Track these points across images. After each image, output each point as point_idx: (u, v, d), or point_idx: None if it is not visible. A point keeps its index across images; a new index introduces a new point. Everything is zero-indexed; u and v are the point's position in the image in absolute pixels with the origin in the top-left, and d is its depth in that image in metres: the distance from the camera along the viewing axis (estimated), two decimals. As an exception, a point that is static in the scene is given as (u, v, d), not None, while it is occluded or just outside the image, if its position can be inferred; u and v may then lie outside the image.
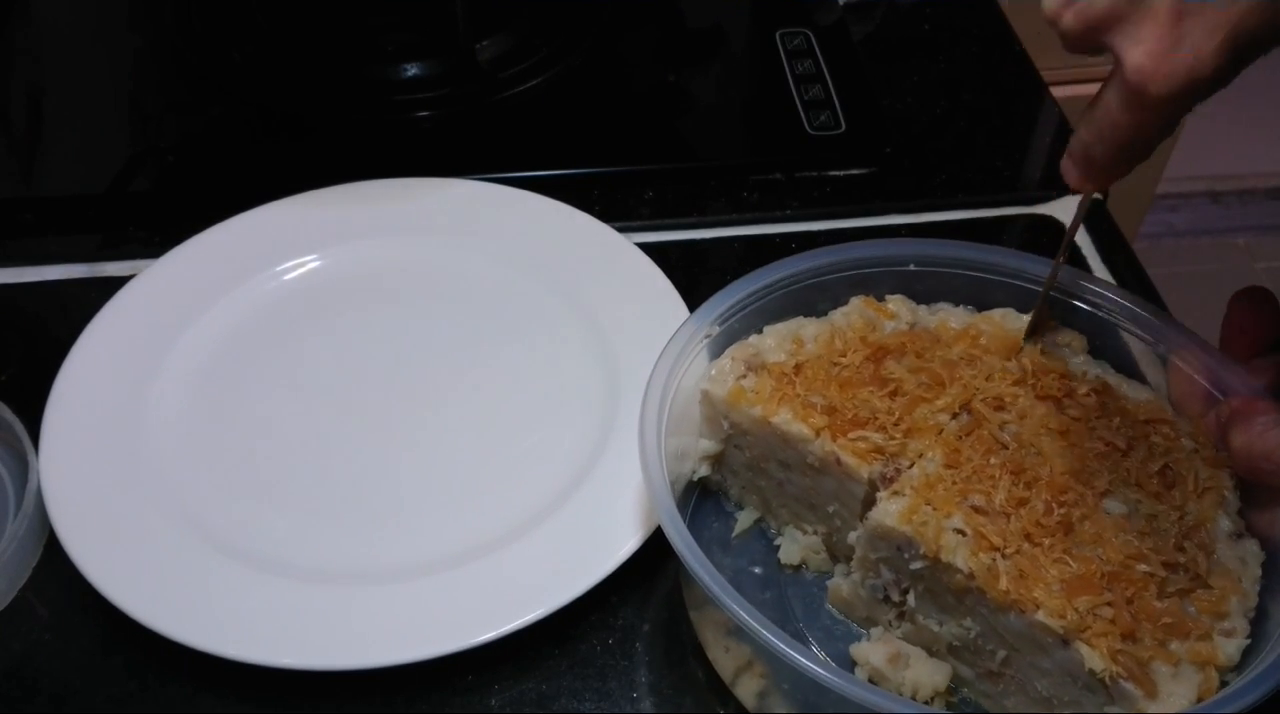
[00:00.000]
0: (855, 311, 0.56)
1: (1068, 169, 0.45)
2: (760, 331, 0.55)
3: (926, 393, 0.52)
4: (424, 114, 0.78)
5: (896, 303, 0.56)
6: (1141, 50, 0.37)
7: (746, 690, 0.50)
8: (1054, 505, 0.47)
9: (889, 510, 0.48)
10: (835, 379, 0.52)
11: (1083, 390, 0.52)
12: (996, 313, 0.56)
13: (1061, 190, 0.74)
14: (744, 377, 0.53)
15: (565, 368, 0.63)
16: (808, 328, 0.55)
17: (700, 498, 0.58)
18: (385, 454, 0.60)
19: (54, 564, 0.55)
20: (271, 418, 0.61)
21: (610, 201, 0.73)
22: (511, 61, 0.80)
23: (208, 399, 0.62)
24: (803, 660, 0.42)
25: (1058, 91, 0.82)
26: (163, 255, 0.67)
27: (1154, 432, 0.51)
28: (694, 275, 0.68)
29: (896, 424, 0.51)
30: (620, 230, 0.69)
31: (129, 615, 0.51)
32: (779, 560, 0.55)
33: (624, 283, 0.66)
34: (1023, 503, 0.47)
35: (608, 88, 0.82)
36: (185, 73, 0.81)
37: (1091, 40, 0.39)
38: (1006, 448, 0.49)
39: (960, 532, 0.47)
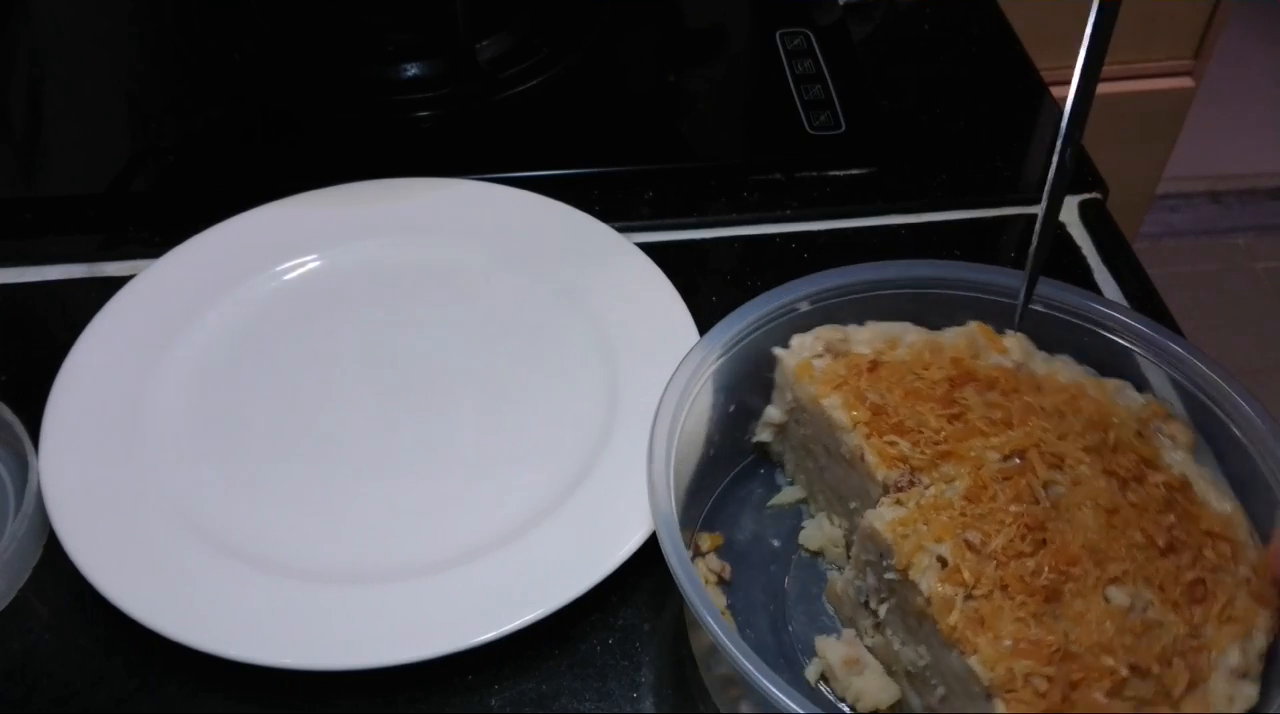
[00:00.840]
0: (964, 334, 0.55)
1: None
2: (862, 323, 0.55)
3: (988, 428, 0.50)
4: (424, 114, 0.78)
5: (1014, 341, 0.54)
6: None
7: (728, 698, 0.50)
8: (1050, 570, 0.46)
9: (881, 515, 0.48)
10: (904, 386, 0.51)
11: (1156, 479, 0.49)
12: (1113, 383, 0.53)
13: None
14: (820, 356, 0.53)
15: (565, 368, 0.63)
16: (910, 335, 0.54)
17: (754, 463, 0.58)
18: (385, 454, 0.60)
19: (54, 564, 0.55)
20: (271, 418, 0.61)
21: (610, 201, 0.73)
22: (511, 61, 0.80)
23: (208, 399, 0.62)
24: (773, 691, 0.42)
25: (1058, 91, 0.82)
26: (163, 255, 0.67)
27: (1211, 545, 0.48)
28: (694, 275, 0.68)
29: (938, 444, 0.50)
30: (620, 230, 0.69)
31: (129, 615, 0.51)
32: (799, 542, 0.56)
33: (624, 283, 0.66)
34: (1019, 556, 0.46)
35: (608, 88, 0.82)
36: (185, 73, 0.81)
37: None
38: (1038, 503, 0.48)
39: (941, 560, 0.47)
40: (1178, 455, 0.51)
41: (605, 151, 0.76)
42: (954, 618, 0.45)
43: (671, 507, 0.47)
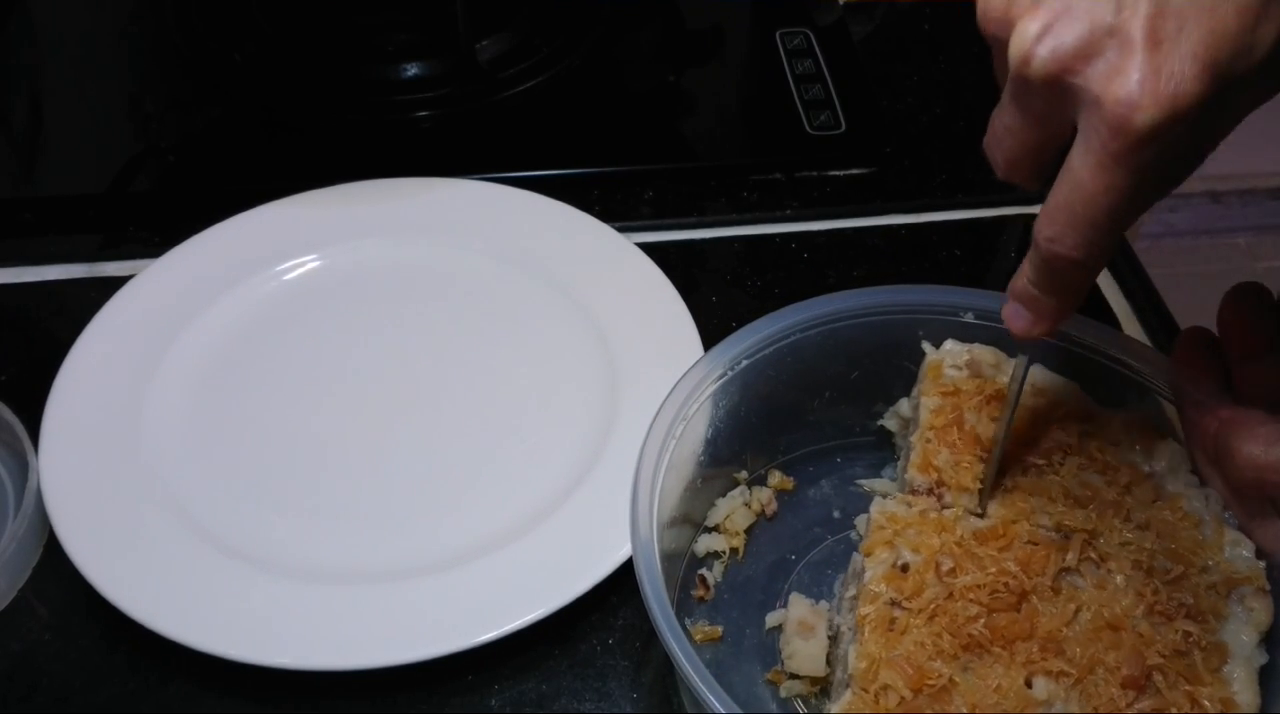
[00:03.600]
0: (1126, 419, 0.52)
1: (1014, 314, 0.43)
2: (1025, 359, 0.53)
3: (1059, 496, 0.49)
4: (424, 114, 0.78)
5: (1169, 450, 0.51)
6: (1120, 81, 0.36)
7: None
8: (989, 629, 0.45)
9: (885, 504, 0.49)
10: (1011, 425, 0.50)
11: (1189, 629, 0.45)
12: (1234, 535, 0.49)
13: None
14: (959, 368, 0.53)
15: (565, 369, 0.63)
16: (1072, 396, 0.53)
17: (877, 445, 0.59)
18: (385, 454, 0.60)
19: (54, 564, 0.55)
20: (271, 418, 0.61)
21: (610, 201, 0.73)
22: (511, 61, 0.80)
23: (208, 399, 0.62)
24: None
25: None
26: (163, 255, 0.67)
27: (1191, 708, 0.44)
28: (694, 275, 0.68)
29: (990, 481, 0.49)
30: (620, 230, 0.69)
31: (129, 615, 0.51)
32: (854, 524, 0.56)
33: (624, 283, 0.66)
34: (974, 601, 0.46)
35: (608, 88, 0.82)
36: (185, 73, 0.81)
37: (1060, 86, 0.38)
38: (1040, 577, 0.46)
39: (905, 565, 0.47)
40: (1241, 633, 0.46)
41: (605, 151, 0.76)
42: (869, 609, 0.46)
43: (652, 533, 0.46)
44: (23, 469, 0.57)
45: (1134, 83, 0.36)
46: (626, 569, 0.53)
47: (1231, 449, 0.46)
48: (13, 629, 0.53)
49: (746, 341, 0.53)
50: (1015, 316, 0.44)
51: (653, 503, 0.47)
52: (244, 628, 0.51)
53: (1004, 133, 0.42)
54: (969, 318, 0.54)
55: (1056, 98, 0.38)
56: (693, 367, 0.52)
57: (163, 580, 0.53)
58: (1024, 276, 0.42)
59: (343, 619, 0.52)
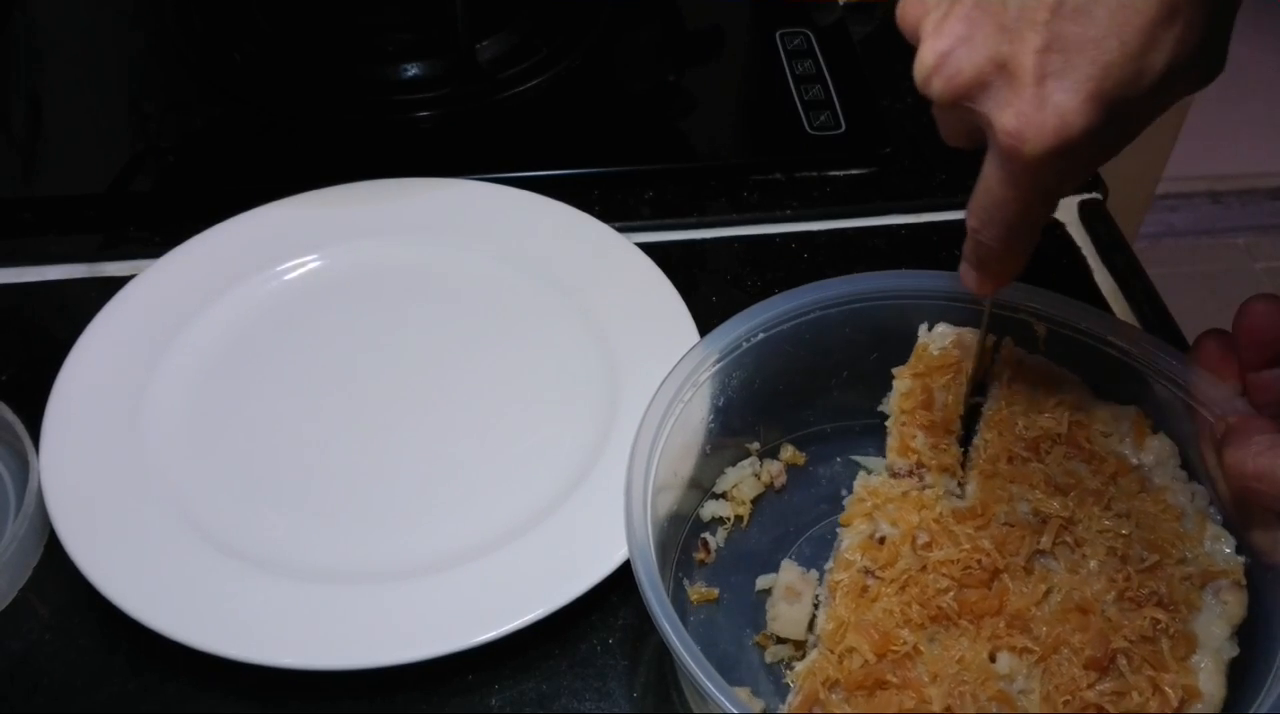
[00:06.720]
0: (1115, 412, 0.52)
1: (966, 274, 0.46)
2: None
3: (1041, 483, 0.49)
4: (424, 114, 0.78)
5: (1160, 444, 0.51)
6: (1010, 113, 0.38)
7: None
8: (958, 603, 0.45)
9: (869, 480, 0.50)
10: (992, 416, 0.51)
11: (1159, 618, 0.45)
12: (1216, 530, 0.49)
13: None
14: (946, 350, 0.53)
15: (565, 368, 0.63)
16: (1067, 386, 0.53)
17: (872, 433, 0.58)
18: (385, 454, 0.60)
19: (54, 564, 0.55)
20: (271, 418, 0.61)
21: (610, 201, 0.73)
22: (511, 61, 0.80)
23: (208, 399, 0.62)
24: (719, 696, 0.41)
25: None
26: (163, 255, 0.67)
27: (1154, 696, 0.44)
28: (694, 275, 0.68)
29: (966, 465, 0.50)
30: (620, 230, 0.69)
31: (129, 615, 0.51)
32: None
33: (624, 283, 0.66)
34: (945, 575, 0.46)
35: (608, 88, 0.82)
36: (185, 73, 0.81)
37: (962, 106, 0.40)
38: (1015, 557, 0.47)
39: (881, 538, 0.47)
40: (1213, 625, 0.46)
41: (605, 151, 0.76)
42: (843, 575, 0.46)
43: (648, 534, 0.46)
44: (23, 469, 0.57)
45: (1020, 116, 0.38)
46: (627, 569, 0.53)
47: (1223, 455, 0.46)
48: (13, 629, 0.53)
49: (759, 318, 0.53)
50: (966, 276, 0.47)
51: (651, 465, 0.48)
52: (244, 628, 0.51)
53: (935, 113, 0.44)
54: (987, 306, 0.54)
55: (960, 111, 0.40)
56: (701, 341, 0.53)
57: (163, 580, 0.53)
58: (968, 235, 0.45)
59: (343, 619, 0.52)
